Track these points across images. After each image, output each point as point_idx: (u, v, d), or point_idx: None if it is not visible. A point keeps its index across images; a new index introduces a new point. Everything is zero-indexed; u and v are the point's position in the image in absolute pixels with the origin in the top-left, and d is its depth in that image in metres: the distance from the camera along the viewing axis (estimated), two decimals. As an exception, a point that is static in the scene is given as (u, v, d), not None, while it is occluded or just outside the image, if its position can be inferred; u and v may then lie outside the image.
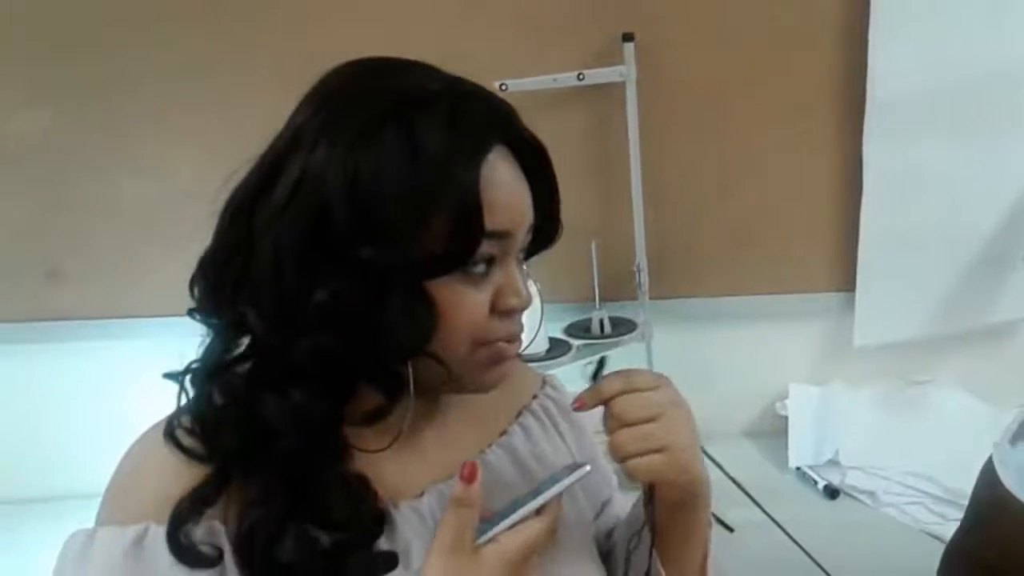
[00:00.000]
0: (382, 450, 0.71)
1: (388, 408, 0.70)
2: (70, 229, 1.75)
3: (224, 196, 0.70)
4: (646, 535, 0.81)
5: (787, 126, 1.78)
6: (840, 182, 1.81)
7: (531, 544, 0.69)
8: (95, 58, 1.67)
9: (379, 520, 0.70)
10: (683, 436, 0.73)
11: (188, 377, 0.70)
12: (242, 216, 0.69)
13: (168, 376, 0.71)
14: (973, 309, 1.87)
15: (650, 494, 0.78)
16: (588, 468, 0.71)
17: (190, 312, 0.72)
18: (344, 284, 0.65)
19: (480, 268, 0.69)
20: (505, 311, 0.71)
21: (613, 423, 0.72)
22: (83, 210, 1.74)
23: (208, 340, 0.71)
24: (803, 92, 1.77)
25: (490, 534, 0.68)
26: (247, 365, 0.70)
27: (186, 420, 0.69)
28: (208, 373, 0.70)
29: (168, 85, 1.68)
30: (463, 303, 0.68)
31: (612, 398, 0.72)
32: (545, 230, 0.77)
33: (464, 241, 0.66)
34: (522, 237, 0.73)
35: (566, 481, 0.70)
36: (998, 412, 1.78)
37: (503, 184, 0.69)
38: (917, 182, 1.78)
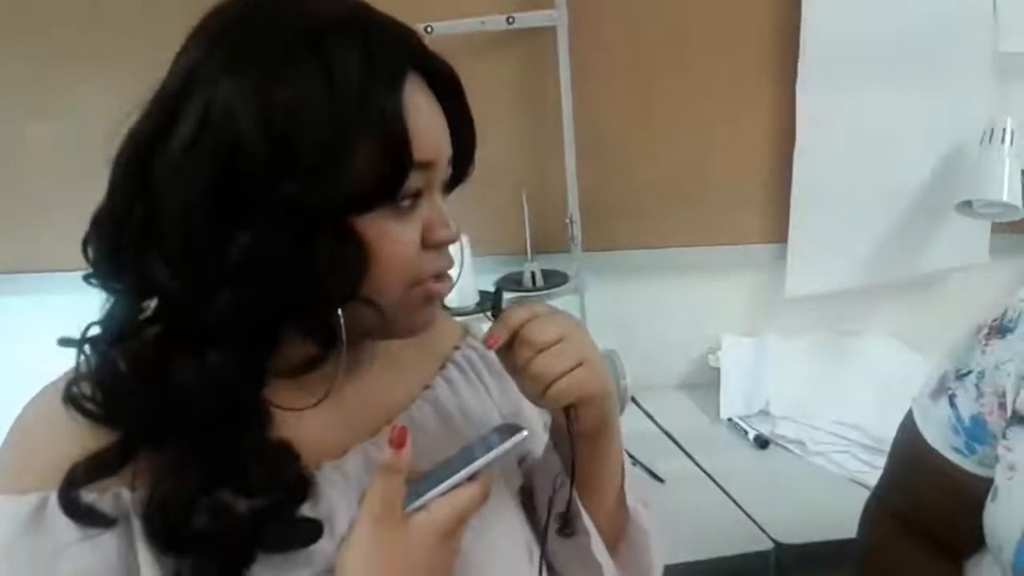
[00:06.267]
0: (307, 408, 0.68)
1: (321, 359, 0.66)
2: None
3: (114, 146, 0.65)
4: (564, 475, 0.80)
5: (721, 75, 1.77)
6: (774, 133, 1.80)
7: (463, 513, 0.66)
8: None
9: (302, 485, 0.67)
10: (592, 348, 0.75)
11: (88, 344, 0.66)
12: (138, 164, 0.63)
13: (64, 343, 0.66)
14: (904, 259, 1.89)
15: (568, 425, 0.76)
16: (525, 433, 0.69)
17: (86, 278, 0.66)
18: (266, 227, 0.61)
19: (407, 202, 0.66)
20: (436, 244, 0.69)
21: (527, 351, 0.72)
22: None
23: (109, 304, 0.66)
24: (738, 41, 1.75)
25: (420, 501, 0.65)
26: (155, 329, 0.65)
27: (86, 387, 0.64)
28: (111, 339, 0.65)
29: (79, 26, 1.59)
30: (394, 240, 0.66)
31: (520, 327, 0.72)
32: (460, 164, 0.74)
33: (392, 172, 0.63)
34: (444, 169, 0.70)
35: (503, 447, 0.68)
36: (928, 361, 1.81)
37: (423, 111, 0.66)
38: (850, 133, 1.78)
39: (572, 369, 0.72)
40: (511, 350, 0.73)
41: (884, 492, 1.06)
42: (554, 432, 0.84)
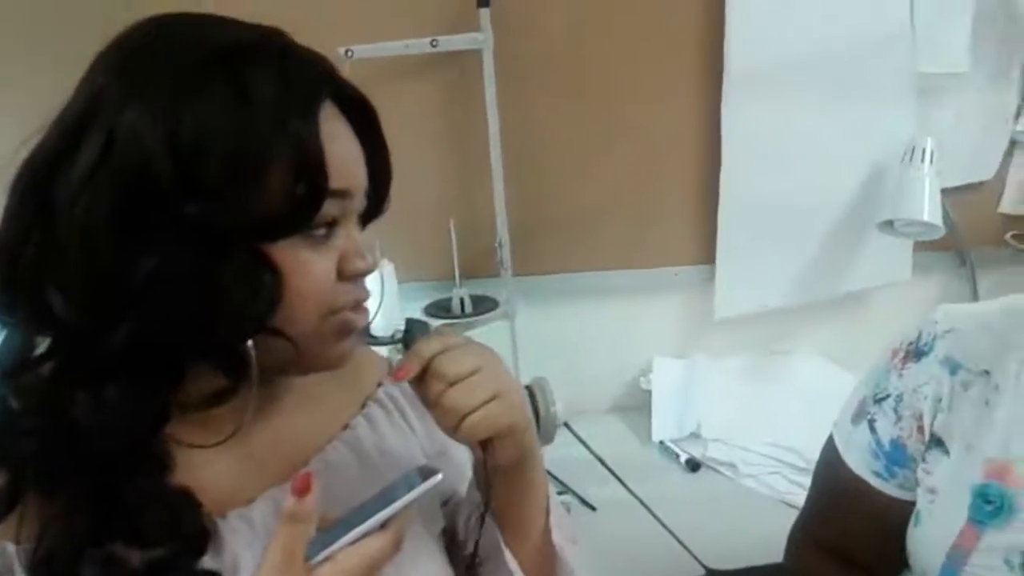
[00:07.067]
0: (214, 445, 0.65)
1: (231, 391, 0.64)
2: None
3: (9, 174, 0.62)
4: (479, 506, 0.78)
5: (647, 96, 1.77)
6: (700, 154, 1.81)
7: (372, 562, 0.63)
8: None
9: (203, 536, 0.64)
10: (508, 380, 0.72)
11: None
12: (36, 190, 0.60)
13: None
14: (829, 278, 1.91)
15: (485, 460, 0.74)
16: (440, 477, 0.66)
17: None
18: (171, 249, 0.58)
19: (322, 231, 0.65)
20: (352, 275, 0.68)
21: (438, 384, 0.69)
22: None
23: (1, 339, 0.63)
24: (663, 61, 1.76)
25: (327, 552, 0.62)
26: (50, 364, 0.62)
27: None
28: (2, 375, 0.62)
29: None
30: (308, 269, 0.64)
31: (432, 359, 0.69)
32: (375, 197, 0.72)
33: (306, 198, 0.62)
34: (360, 199, 0.69)
35: (415, 492, 0.65)
36: (857, 379, 1.83)
37: (339, 138, 0.65)
38: (775, 153, 1.79)
39: (486, 402, 0.69)
40: (424, 383, 0.71)
41: (808, 519, 1.05)
42: (475, 468, 0.81)
